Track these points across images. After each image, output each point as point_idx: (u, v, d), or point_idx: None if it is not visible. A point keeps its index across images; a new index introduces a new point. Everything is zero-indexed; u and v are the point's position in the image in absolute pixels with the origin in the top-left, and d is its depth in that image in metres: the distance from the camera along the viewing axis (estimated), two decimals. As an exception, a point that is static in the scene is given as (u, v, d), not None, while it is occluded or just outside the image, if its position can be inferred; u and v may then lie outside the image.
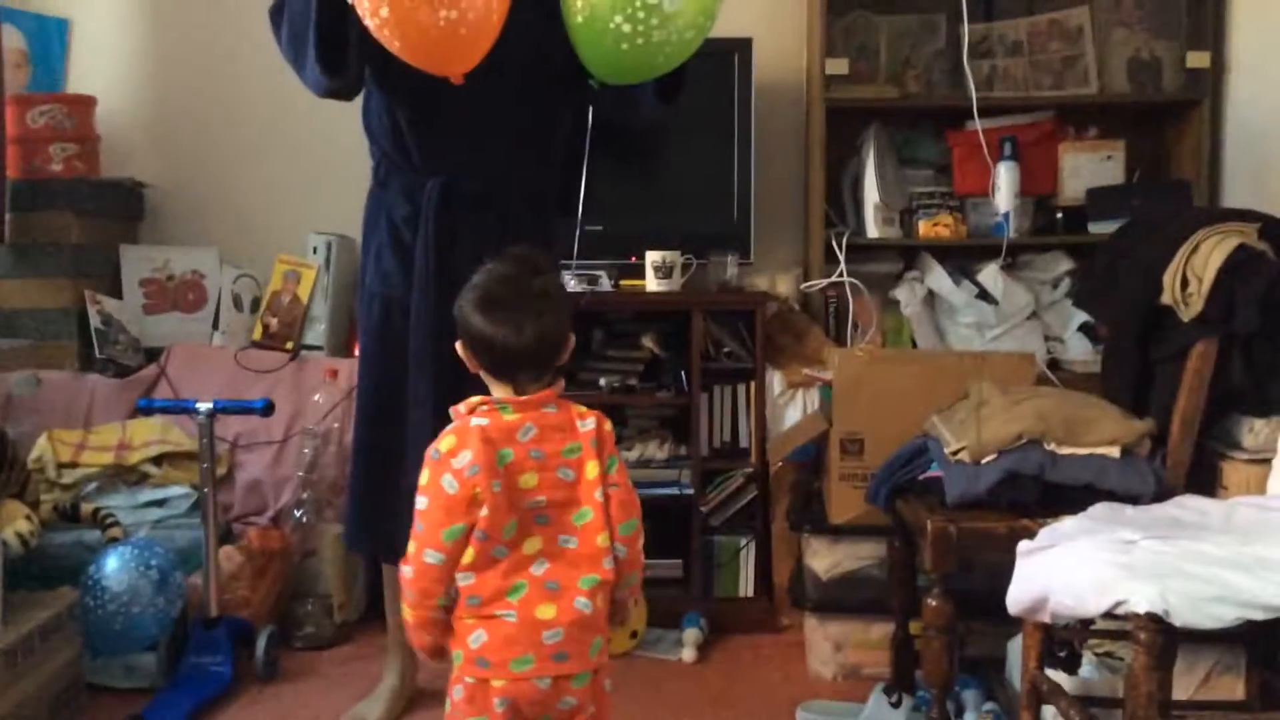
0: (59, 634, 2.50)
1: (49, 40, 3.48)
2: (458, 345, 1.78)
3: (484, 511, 1.66)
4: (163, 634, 2.68)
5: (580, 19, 2.02)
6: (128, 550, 2.67)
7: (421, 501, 1.69)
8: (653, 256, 3.19)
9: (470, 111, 2.28)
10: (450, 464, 1.68)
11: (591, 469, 1.73)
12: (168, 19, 3.58)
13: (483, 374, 1.77)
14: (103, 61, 3.56)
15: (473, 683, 1.73)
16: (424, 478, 1.70)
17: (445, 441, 1.71)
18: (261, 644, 2.75)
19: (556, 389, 1.77)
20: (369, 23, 1.92)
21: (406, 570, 1.70)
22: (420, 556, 1.68)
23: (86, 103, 3.39)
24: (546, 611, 1.68)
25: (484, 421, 1.71)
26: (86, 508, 2.87)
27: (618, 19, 1.96)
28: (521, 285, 1.72)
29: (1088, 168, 3.31)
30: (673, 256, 3.18)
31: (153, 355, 3.33)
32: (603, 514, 1.73)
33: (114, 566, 2.63)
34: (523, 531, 1.70)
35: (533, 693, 1.73)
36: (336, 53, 2.16)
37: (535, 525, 1.70)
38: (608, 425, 1.78)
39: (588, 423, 1.76)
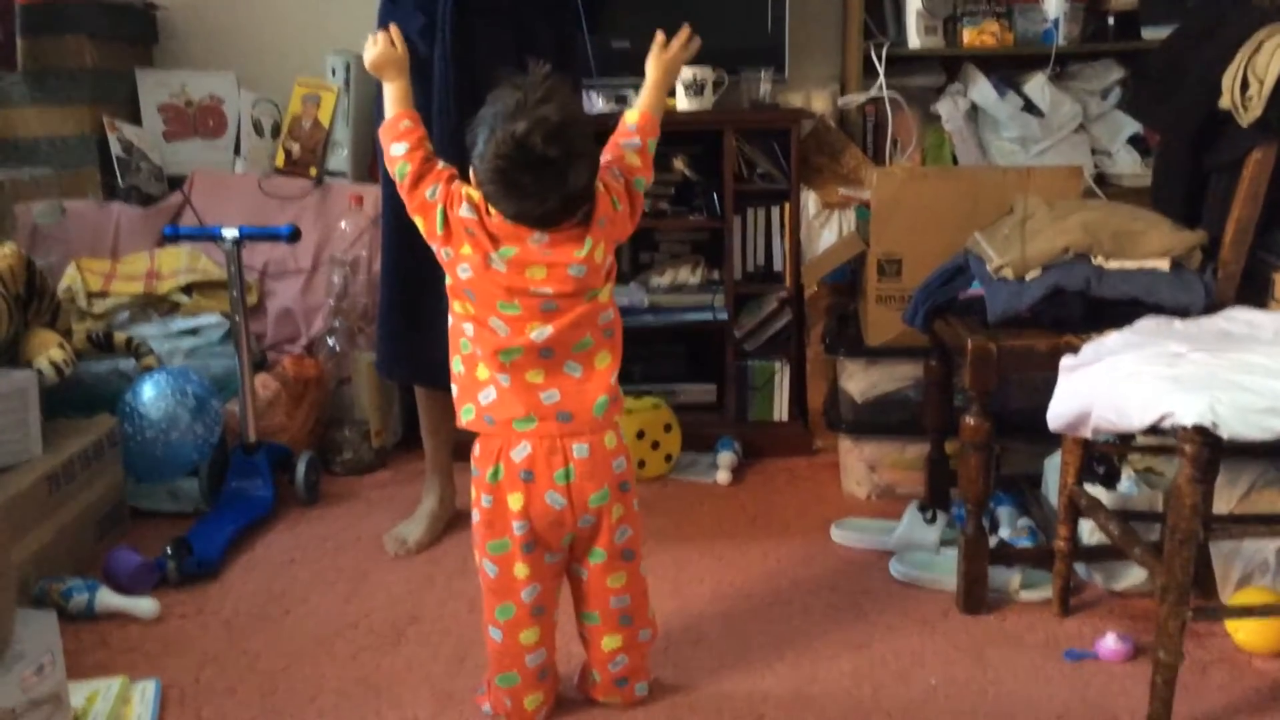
0: (99, 460, 2.53)
1: None
2: (471, 173, 1.74)
3: (465, 256, 1.72)
4: (203, 460, 2.72)
5: None
6: (163, 378, 2.68)
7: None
8: (683, 73, 3.07)
9: None
10: (453, 200, 1.74)
11: (599, 253, 1.74)
12: None
13: None
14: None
15: (489, 505, 1.77)
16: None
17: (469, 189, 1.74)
18: (301, 469, 2.78)
19: (582, 213, 1.75)
20: None
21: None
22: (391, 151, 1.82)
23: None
24: (536, 376, 1.74)
25: (495, 221, 1.72)
26: (119, 337, 2.87)
27: None
28: (540, 161, 1.62)
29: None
30: (704, 73, 3.06)
31: (175, 183, 3.28)
32: (606, 275, 1.76)
33: (151, 394, 2.65)
34: (527, 315, 1.72)
35: (549, 513, 1.75)
36: None
37: (541, 313, 1.73)
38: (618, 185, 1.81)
39: (602, 221, 1.75)
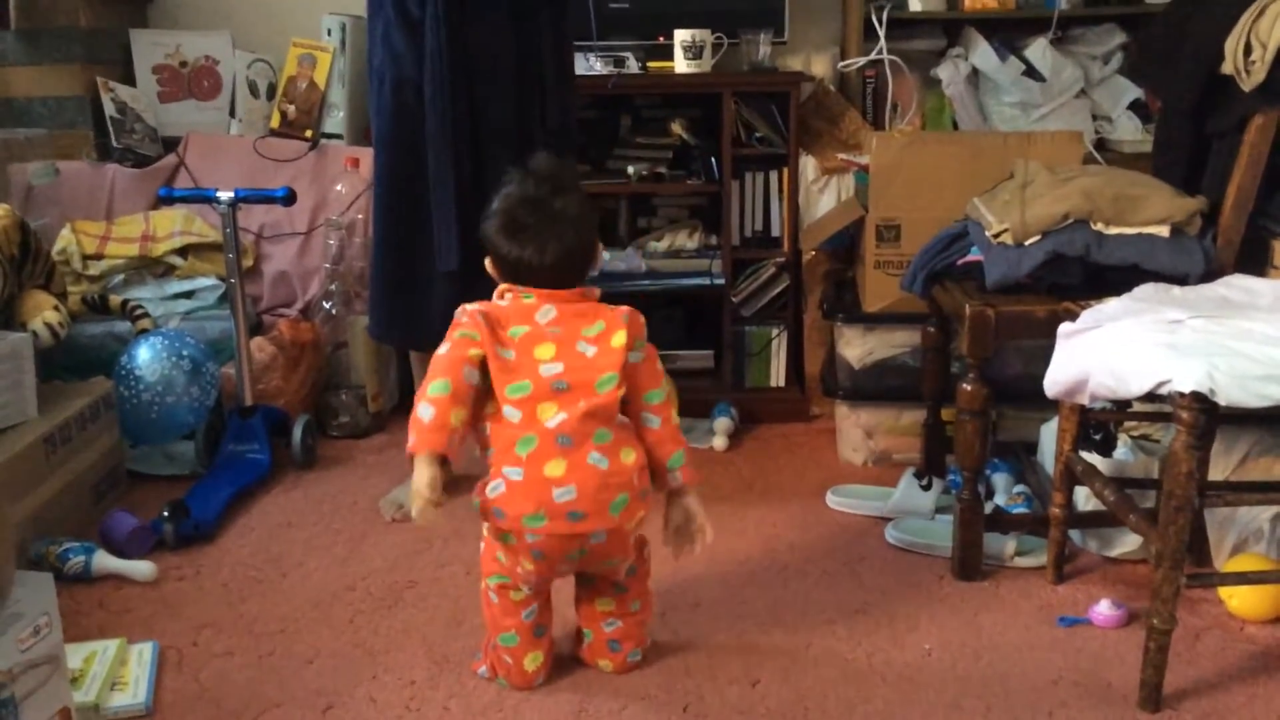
0: (96, 423, 2.53)
1: None
2: (486, 262, 1.81)
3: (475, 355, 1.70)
4: (199, 423, 2.71)
5: None
6: (159, 340, 2.67)
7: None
8: (681, 35, 3.05)
9: None
10: (453, 333, 1.74)
11: (618, 338, 1.73)
12: None
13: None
14: None
15: (500, 548, 1.77)
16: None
17: (471, 305, 1.76)
18: (298, 432, 2.78)
19: (588, 292, 1.79)
20: None
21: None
22: (423, 389, 1.73)
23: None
24: (555, 468, 1.67)
25: (505, 301, 1.76)
26: (114, 299, 2.86)
27: None
28: (543, 207, 1.76)
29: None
30: (702, 35, 3.03)
31: (170, 145, 3.26)
32: (622, 372, 1.72)
33: (146, 357, 2.64)
34: (537, 395, 1.69)
35: (559, 570, 1.78)
36: None
37: (552, 392, 1.70)
38: (640, 317, 1.79)
39: (617, 309, 1.77)
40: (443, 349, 1.73)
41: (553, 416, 1.68)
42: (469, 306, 1.76)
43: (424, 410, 1.68)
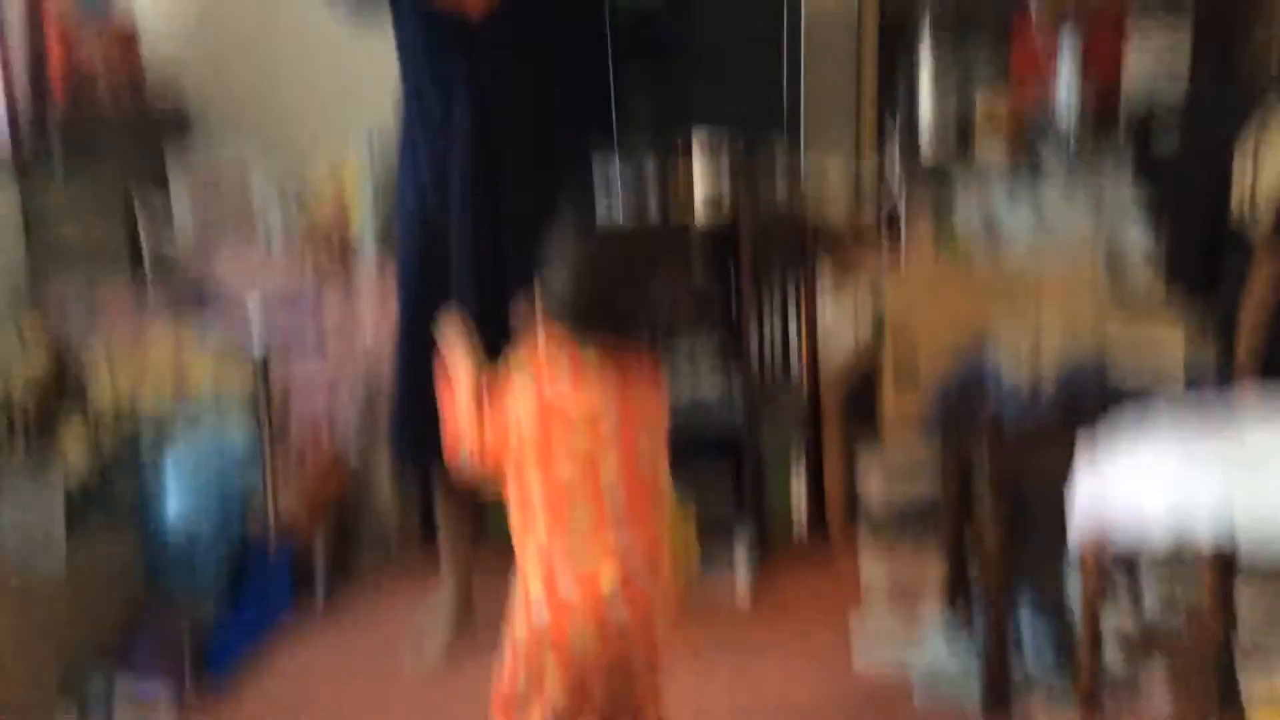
0: (120, 551, 2.54)
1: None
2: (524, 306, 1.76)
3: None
4: (223, 556, 2.72)
5: None
6: (186, 472, 2.70)
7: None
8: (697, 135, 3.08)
9: (497, 20, 2.23)
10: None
11: (638, 407, 1.72)
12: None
13: None
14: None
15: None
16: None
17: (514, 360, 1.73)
18: (320, 561, 2.78)
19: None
20: None
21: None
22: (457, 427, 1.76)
23: (132, 27, 3.35)
24: (608, 577, 1.65)
25: (564, 371, 1.69)
26: (144, 428, 2.90)
27: None
28: (601, 255, 1.72)
29: (1152, 68, 3.13)
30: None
31: (203, 270, 3.32)
32: (643, 457, 1.71)
33: (173, 489, 2.66)
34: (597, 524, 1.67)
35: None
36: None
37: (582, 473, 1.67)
38: (662, 375, 1.78)
39: (656, 374, 1.75)
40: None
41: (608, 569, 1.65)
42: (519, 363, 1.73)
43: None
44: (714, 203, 3.07)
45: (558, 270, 1.70)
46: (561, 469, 1.66)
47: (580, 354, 1.68)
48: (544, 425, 1.66)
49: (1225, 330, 2.22)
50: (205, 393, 3.09)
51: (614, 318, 1.68)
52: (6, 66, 2.93)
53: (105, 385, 3.02)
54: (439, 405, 1.88)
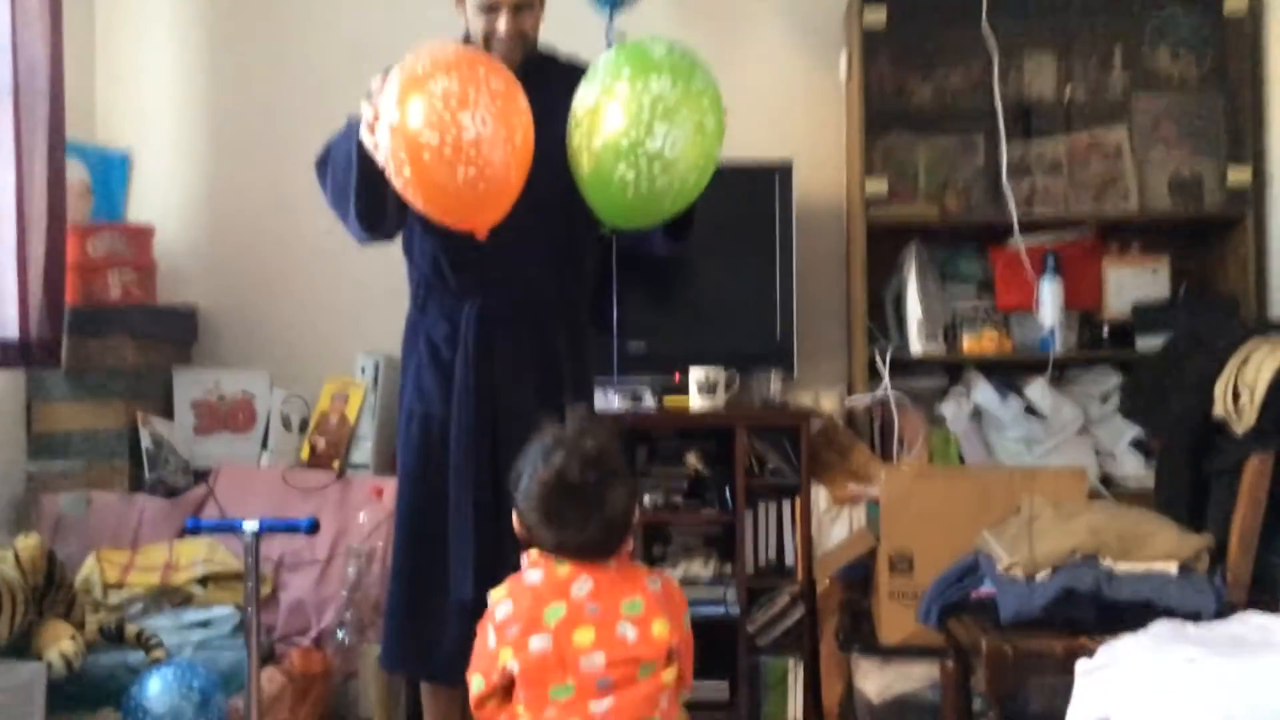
0: (100, 758, 2.47)
1: (110, 171, 3.60)
2: (516, 525, 1.80)
3: (514, 666, 1.66)
4: (204, 758, 2.65)
5: (587, 170, 2.11)
6: (170, 672, 2.65)
7: (480, 635, 1.73)
8: (696, 373, 3.20)
9: (505, 237, 2.33)
10: (494, 614, 1.71)
11: (659, 628, 1.70)
12: (223, 152, 3.69)
13: None
14: (161, 192, 3.68)
15: None
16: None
17: (498, 591, 1.74)
18: (302, 770, 2.70)
19: (622, 558, 1.76)
20: (396, 183, 2.04)
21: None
22: (470, 679, 1.71)
23: (145, 231, 3.49)
24: None
25: (537, 577, 1.72)
26: (131, 629, 2.86)
27: (621, 167, 2.05)
28: (588, 494, 1.71)
29: (1132, 282, 3.30)
30: (716, 373, 3.19)
31: (202, 476, 3.36)
32: (665, 658, 1.70)
33: (156, 689, 2.61)
34: (582, 695, 1.66)
35: None
36: (377, 211, 2.27)
37: (597, 690, 1.66)
38: (677, 590, 1.77)
39: (654, 582, 1.75)
40: (489, 641, 1.72)
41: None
42: (497, 595, 1.73)
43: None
44: (707, 387, 3.16)
45: (521, 492, 1.77)
46: (554, 666, 1.67)
47: (555, 568, 1.73)
48: (536, 670, 1.68)
49: (1217, 527, 2.24)
50: (195, 601, 3.08)
51: (570, 532, 1.71)
52: (23, 267, 3.05)
53: (95, 583, 3.01)
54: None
